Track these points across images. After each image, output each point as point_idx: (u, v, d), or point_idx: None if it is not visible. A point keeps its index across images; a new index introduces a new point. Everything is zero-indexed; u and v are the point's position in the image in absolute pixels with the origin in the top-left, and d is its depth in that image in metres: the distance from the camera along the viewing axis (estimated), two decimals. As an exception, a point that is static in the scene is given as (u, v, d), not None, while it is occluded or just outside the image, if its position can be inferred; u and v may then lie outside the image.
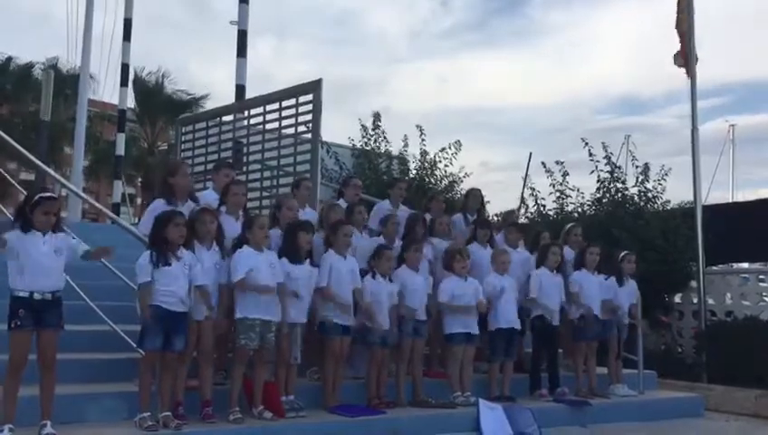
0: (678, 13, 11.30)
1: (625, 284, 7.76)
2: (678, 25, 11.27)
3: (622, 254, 7.91)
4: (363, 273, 6.33)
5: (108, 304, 6.28)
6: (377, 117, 13.41)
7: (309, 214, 6.92)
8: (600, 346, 7.62)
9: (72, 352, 5.58)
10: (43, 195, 4.80)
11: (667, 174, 11.79)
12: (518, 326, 7.02)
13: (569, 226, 8.33)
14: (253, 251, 5.53)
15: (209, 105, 28.04)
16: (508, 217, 8.32)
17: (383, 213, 7.26)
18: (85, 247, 5.00)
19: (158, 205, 5.78)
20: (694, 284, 10.90)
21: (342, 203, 7.20)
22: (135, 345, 5.31)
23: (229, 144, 10.12)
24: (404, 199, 7.88)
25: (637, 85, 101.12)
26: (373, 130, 13.37)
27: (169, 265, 5.10)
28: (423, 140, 13.31)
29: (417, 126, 13.38)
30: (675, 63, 11.36)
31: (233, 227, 5.84)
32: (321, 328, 6.06)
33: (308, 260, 5.89)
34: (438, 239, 7.20)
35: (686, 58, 11.19)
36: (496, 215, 9.82)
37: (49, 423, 4.58)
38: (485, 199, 8.68)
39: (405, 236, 6.92)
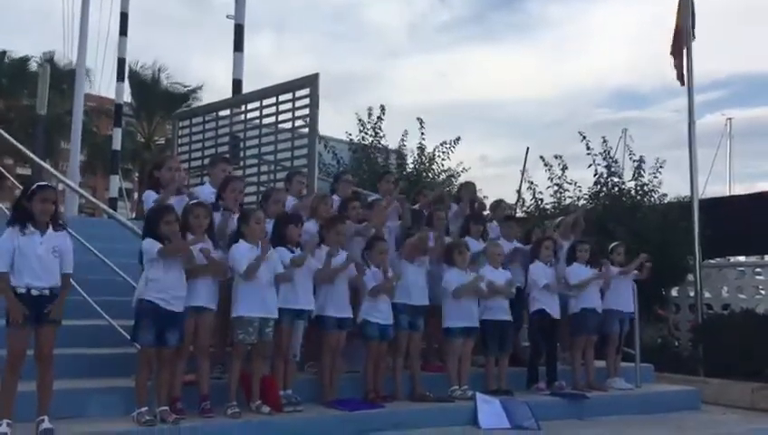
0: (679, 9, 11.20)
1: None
2: (678, 23, 11.17)
3: (611, 246, 7.95)
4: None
5: (105, 299, 6.28)
6: (381, 111, 13.32)
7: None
8: (599, 339, 7.65)
9: (70, 347, 5.56)
10: (39, 183, 4.84)
11: (661, 167, 11.81)
12: (509, 318, 7.02)
13: (558, 219, 8.38)
14: (249, 246, 5.53)
15: (206, 98, 28.09)
16: (497, 208, 8.31)
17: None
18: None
19: (149, 195, 5.91)
20: (690, 277, 10.92)
21: (335, 198, 7.19)
22: (130, 339, 5.31)
23: (226, 139, 10.08)
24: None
25: (635, 79, 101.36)
26: (377, 120, 13.29)
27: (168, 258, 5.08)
28: (422, 133, 13.26)
29: (418, 118, 13.31)
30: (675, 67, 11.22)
31: (230, 223, 5.83)
32: (319, 322, 6.06)
33: (298, 249, 5.88)
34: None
35: (680, 54, 11.13)
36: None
37: (47, 418, 4.57)
38: (483, 194, 8.73)
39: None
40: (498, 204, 8.40)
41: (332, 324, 6.01)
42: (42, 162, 8.25)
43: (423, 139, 13.26)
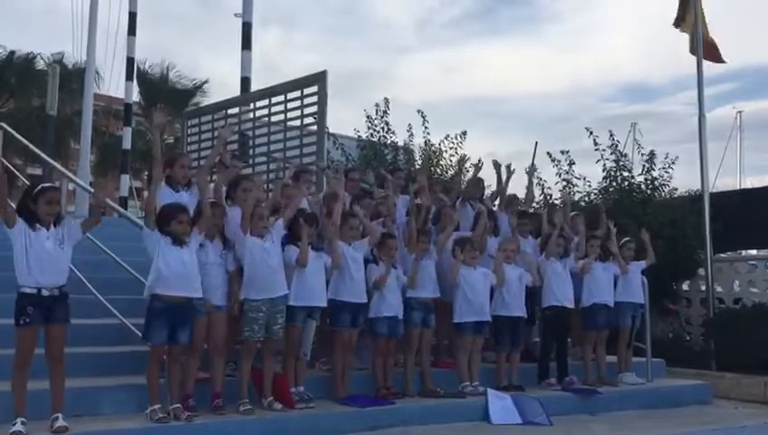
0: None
1: (631, 265, 7.78)
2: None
3: (622, 241, 7.93)
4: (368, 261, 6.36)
5: (117, 297, 6.32)
6: (386, 103, 13.28)
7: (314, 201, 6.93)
8: (610, 334, 7.64)
9: (83, 345, 5.62)
10: (44, 185, 4.87)
11: (673, 162, 11.74)
12: (523, 314, 7.03)
13: (571, 214, 8.34)
14: (255, 239, 5.57)
15: (214, 96, 28.15)
16: (512, 202, 8.28)
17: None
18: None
19: (164, 190, 5.87)
20: (702, 271, 10.87)
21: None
22: (142, 337, 5.33)
23: (235, 137, 10.11)
24: (403, 189, 7.87)
25: (645, 72, 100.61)
26: (381, 117, 13.27)
27: (178, 245, 5.12)
28: (426, 127, 13.23)
29: (419, 111, 13.25)
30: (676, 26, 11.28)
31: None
32: (332, 320, 6.09)
33: (310, 246, 5.87)
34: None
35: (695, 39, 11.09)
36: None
37: (61, 416, 4.61)
38: (492, 190, 8.71)
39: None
40: (511, 199, 8.37)
41: (345, 321, 6.02)
42: (53, 162, 8.29)
43: (427, 133, 13.23)
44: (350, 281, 6.07)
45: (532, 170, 8.60)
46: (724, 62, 11.56)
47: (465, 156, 13.04)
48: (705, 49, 11.11)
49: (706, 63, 11.17)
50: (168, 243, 5.11)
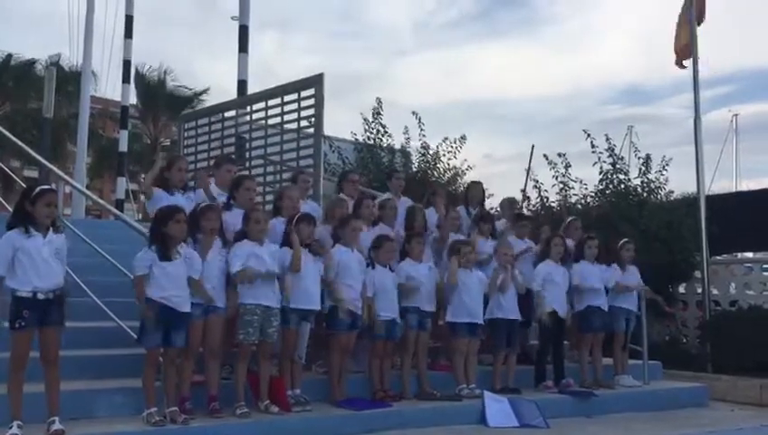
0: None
1: (627, 270, 7.80)
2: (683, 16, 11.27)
3: (621, 242, 7.94)
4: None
5: (114, 300, 6.31)
6: (378, 104, 13.27)
7: (312, 207, 6.93)
8: (606, 337, 7.65)
9: (80, 348, 5.62)
10: (43, 187, 4.83)
11: (667, 164, 11.77)
12: (518, 317, 7.03)
13: (569, 218, 8.36)
14: (252, 244, 5.56)
15: (211, 100, 28.14)
16: (510, 206, 8.29)
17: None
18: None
19: (159, 195, 5.89)
20: (698, 274, 10.89)
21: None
22: (137, 340, 5.32)
23: (232, 140, 10.11)
24: (404, 191, 7.89)
25: (642, 75, 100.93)
26: (374, 119, 13.26)
27: (170, 260, 5.09)
28: (422, 129, 13.22)
29: (413, 112, 13.22)
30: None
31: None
32: (329, 323, 6.07)
33: (307, 249, 5.85)
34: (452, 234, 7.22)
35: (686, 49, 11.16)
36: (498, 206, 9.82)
37: (57, 419, 4.60)
38: (488, 192, 8.73)
39: (406, 228, 6.95)
40: (510, 203, 8.38)
41: (344, 325, 6.01)
42: (50, 165, 8.29)
43: (423, 135, 13.22)
44: (347, 288, 6.05)
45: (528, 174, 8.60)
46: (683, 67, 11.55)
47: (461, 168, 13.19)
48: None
49: (705, 66, 11.26)
50: (156, 261, 5.04)
